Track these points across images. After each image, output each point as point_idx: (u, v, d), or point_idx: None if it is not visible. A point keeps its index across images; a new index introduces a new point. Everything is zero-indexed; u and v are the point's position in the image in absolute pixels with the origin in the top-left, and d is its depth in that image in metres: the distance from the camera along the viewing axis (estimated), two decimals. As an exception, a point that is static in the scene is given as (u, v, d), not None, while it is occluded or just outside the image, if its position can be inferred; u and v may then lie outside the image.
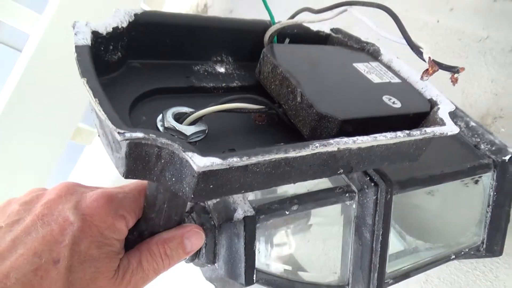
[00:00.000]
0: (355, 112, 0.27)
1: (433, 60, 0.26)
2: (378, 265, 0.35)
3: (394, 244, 0.52)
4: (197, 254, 0.35)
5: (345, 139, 0.23)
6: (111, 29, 0.25)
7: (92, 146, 1.54)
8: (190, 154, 0.19)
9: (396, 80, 0.34)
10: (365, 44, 0.37)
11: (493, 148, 0.49)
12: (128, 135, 0.19)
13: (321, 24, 0.37)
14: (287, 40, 0.35)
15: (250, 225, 0.33)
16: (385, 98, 0.30)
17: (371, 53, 0.37)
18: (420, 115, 0.30)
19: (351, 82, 0.31)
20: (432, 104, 0.32)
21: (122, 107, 0.25)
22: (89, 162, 1.79)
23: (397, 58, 0.36)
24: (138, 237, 0.32)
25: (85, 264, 0.25)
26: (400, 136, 0.25)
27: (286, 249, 0.36)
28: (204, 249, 0.35)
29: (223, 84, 0.31)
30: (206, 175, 0.20)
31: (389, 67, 0.35)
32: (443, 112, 0.30)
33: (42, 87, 1.08)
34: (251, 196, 0.38)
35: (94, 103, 0.21)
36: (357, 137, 0.24)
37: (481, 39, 0.69)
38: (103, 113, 0.20)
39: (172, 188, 0.22)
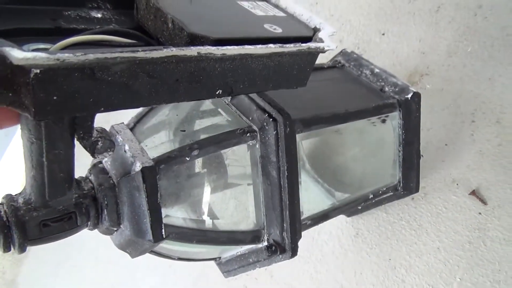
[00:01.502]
0: (230, 32, 0.26)
1: None
2: (288, 202, 0.34)
3: (325, 201, 0.52)
4: (99, 218, 0.32)
5: (208, 46, 0.22)
6: None
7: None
8: (8, 48, 0.16)
9: (281, 14, 0.33)
10: None
11: (397, 89, 0.50)
12: None
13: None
14: None
15: (149, 176, 0.31)
16: (266, 25, 0.30)
17: None
18: (301, 39, 0.30)
19: (231, 13, 0.30)
20: (315, 31, 0.32)
21: None
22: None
23: None
24: (23, 203, 0.29)
25: None
26: (271, 47, 0.25)
27: (196, 198, 0.34)
28: (106, 211, 0.32)
29: (98, 27, 0.29)
30: (42, 81, 0.18)
31: (276, 6, 0.35)
32: (323, 33, 0.30)
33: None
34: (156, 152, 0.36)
35: None
36: (224, 46, 0.23)
37: (410, 1, 0.72)
38: None
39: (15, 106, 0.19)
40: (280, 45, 0.25)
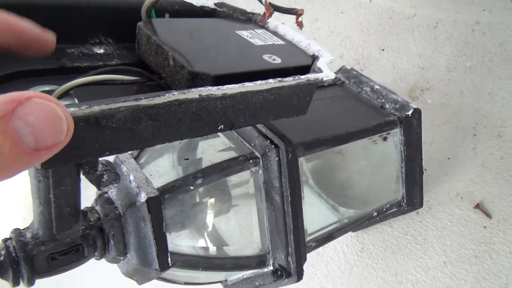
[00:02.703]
0: (230, 68, 0.26)
1: (269, 3, 0.26)
2: (292, 226, 0.34)
3: (329, 217, 0.52)
4: (105, 249, 0.33)
5: (209, 87, 0.22)
6: None
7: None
8: None
9: (280, 42, 0.34)
10: (251, 15, 0.37)
11: (397, 106, 0.50)
12: None
13: (204, 0, 0.36)
14: (167, 15, 0.34)
15: (154, 206, 0.31)
16: (266, 56, 0.30)
17: (258, 23, 0.37)
18: (301, 69, 0.30)
19: (230, 45, 0.30)
20: (314, 59, 0.32)
21: None
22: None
23: (282, 24, 0.37)
24: (31, 238, 0.29)
25: None
26: (271, 83, 0.25)
27: (201, 226, 0.35)
28: (112, 241, 0.32)
29: (101, 63, 0.29)
30: None
31: (275, 33, 0.36)
32: (321, 62, 0.30)
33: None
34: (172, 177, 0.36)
35: None
36: (223, 85, 0.23)
37: (409, 17, 0.73)
38: None
39: None
40: (279, 79, 0.26)
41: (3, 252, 0.28)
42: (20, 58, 0.27)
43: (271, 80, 0.25)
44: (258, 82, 0.24)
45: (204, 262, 0.33)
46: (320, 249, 0.68)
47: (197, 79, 0.25)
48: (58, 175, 0.26)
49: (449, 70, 0.66)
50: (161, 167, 0.37)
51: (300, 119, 0.42)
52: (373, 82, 0.53)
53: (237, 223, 0.36)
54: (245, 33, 0.33)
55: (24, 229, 0.30)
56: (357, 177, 0.51)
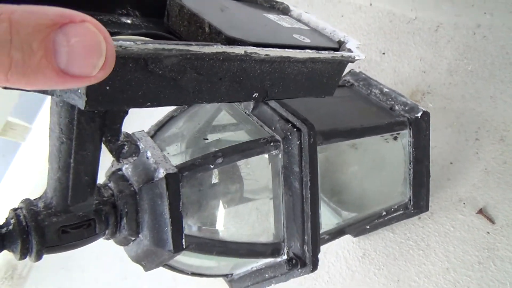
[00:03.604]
0: (265, 38, 0.28)
1: None
2: (310, 213, 0.35)
3: (331, 220, 0.53)
4: (117, 227, 0.32)
5: (253, 47, 0.23)
6: None
7: (27, 143, 1.41)
8: None
9: (306, 27, 0.35)
10: (274, 3, 0.39)
11: (406, 108, 0.53)
12: None
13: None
14: None
15: (173, 183, 0.31)
16: (295, 35, 0.31)
17: (281, 10, 0.39)
18: (329, 50, 0.32)
19: (260, 22, 0.32)
20: (341, 44, 0.34)
21: None
22: (25, 162, 1.62)
23: (306, 12, 0.38)
24: (44, 208, 0.29)
25: None
26: (309, 52, 0.26)
27: (217, 208, 0.35)
28: (125, 219, 0.32)
29: (129, 31, 0.30)
30: None
31: (299, 20, 0.37)
32: (350, 45, 0.32)
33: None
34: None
35: None
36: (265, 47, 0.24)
37: (409, 20, 0.76)
38: None
39: (65, 98, 0.20)
40: (317, 51, 0.27)
41: (12, 221, 0.28)
42: None
43: (309, 50, 0.26)
44: (298, 50, 0.26)
45: (219, 246, 0.33)
46: (321, 254, 0.68)
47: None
48: (81, 138, 0.26)
49: (450, 74, 0.69)
50: (173, 148, 0.37)
51: (315, 112, 0.43)
52: (382, 85, 0.55)
53: (254, 208, 0.36)
54: (272, 16, 0.35)
55: (35, 199, 0.30)
56: (364, 178, 0.52)
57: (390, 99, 0.54)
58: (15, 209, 0.29)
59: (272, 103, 0.36)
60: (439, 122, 0.67)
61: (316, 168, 0.35)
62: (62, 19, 0.15)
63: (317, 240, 0.36)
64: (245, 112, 0.38)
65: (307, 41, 0.31)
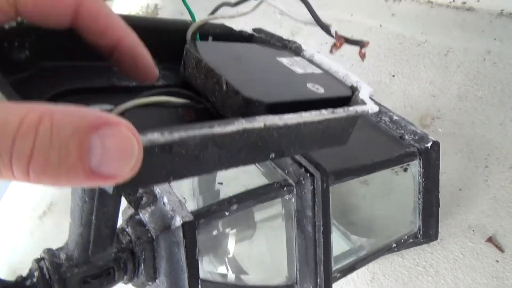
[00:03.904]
0: (281, 96, 0.28)
1: (339, 34, 0.28)
2: (323, 257, 0.35)
3: (341, 244, 0.53)
4: (135, 273, 0.33)
5: (271, 116, 0.24)
6: (14, 24, 0.24)
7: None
8: None
9: (318, 71, 0.36)
10: (287, 42, 0.39)
11: (416, 138, 0.53)
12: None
13: (243, 25, 0.38)
14: (210, 38, 0.35)
15: (189, 231, 0.32)
16: (309, 85, 0.32)
17: (294, 50, 0.39)
18: (343, 99, 0.32)
19: (275, 72, 0.32)
20: (353, 90, 0.34)
21: None
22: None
23: (318, 53, 0.39)
24: (66, 260, 0.30)
25: None
26: (324, 113, 0.27)
27: (230, 253, 0.36)
28: (143, 265, 0.33)
29: (147, 83, 0.31)
30: None
31: (311, 61, 0.38)
32: (363, 94, 0.32)
33: None
34: (191, 206, 0.38)
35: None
36: (284, 114, 0.25)
37: (420, 43, 0.76)
38: None
39: None
40: (332, 110, 0.27)
41: (36, 273, 0.29)
42: (73, 77, 0.28)
43: (324, 111, 0.27)
44: (314, 112, 0.26)
45: (235, 291, 0.34)
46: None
47: (250, 106, 0.27)
48: (103, 197, 0.27)
49: (460, 99, 0.69)
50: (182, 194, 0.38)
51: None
52: (391, 113, 0.55)
53: (267, 252, 0.37)
54: (285, 60, 0.35)
55: (57, 249, 0.31)
56: (374, 206, 0.53)
57: (400, 128, 0.55)
58: (38, 261, 0.30)
59: (286, 146, 0.37)
60: (448, 147, 0.67)
61: (328, 212, 0.36)
62: (99, 121, 0.15)
63: (329, 283, 0.36)
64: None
65: (321, 91, 0.32)
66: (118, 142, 0.16)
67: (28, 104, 0.15)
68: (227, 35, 0.37)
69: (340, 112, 0.28)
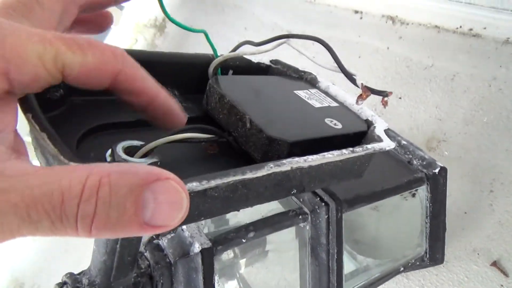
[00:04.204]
0: (302, 134, 0.30)
1: (365, 86, 0.30)
2: (336, 284, 0.36)
3: (347, 264, 0.54)
4: None
5: (297, 158, 0.25)
6: None
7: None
8: None
9: (334, 104, 0.37)
10: (303, 73, 0.41)
11: (424, 163, 0.54)
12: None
13: (261, 56, 0.40)
14: (231, 71, 0.37)
15: (207, 257, 0.33)
16: (327, 120, 0.33)
17: (309, 81, 0.41)
18: (359, 134, 0.34)
19: (294, 108, 0.34)
20: (368, 123, 0.36)
21: (68, 145, 0.25)
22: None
23: (333, 85, 0.40)
24: (88, 285, 0.31)
25: None
26: (345, 153, 0.28)
27: (245, 278, 0.37)
28: None
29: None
30: None
31: (326, 93, 0.39)
32: (379, 130, 0.34)
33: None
34: (205, 229, 0.39)
35: (41, 139, 0.20)
36: (308, 156, 0.26)
37: (426, 67, 0.78)
38: (52, 147, 0.20)
39: None
40: (351, 149, 0.29)
41: None
42: (101, 112, 0.29)
43: (345, 151, 0.28)
44: (335, 153, 0.28)
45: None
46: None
47: (273, 144, 0.28)
48: None
49: (466, 124, 0.71)
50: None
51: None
52: (400, 137, 0.57)
53: (280, 277, 0.38)
54: (302, 93, 0.37)
55: (79, 274, 0.32)
56: (382, 229, 0.54)
57: (408, 153, 0.56)
58: (61, 285, 0.31)
59: (301, 175, 0.38)
60: (454, 171, 0.69)
61: (341, 240, 0.37)
62: (151, 177, 0.16)
63: (341, 309, 0.37)
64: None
65: (338, 127, 0.33)
66: (169, 196, 0.17)
67: (86, 167, 0.17)
68: (246, 67, 0.38)
69: (359, 151, 0.29)
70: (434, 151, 0.72)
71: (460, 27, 0.76)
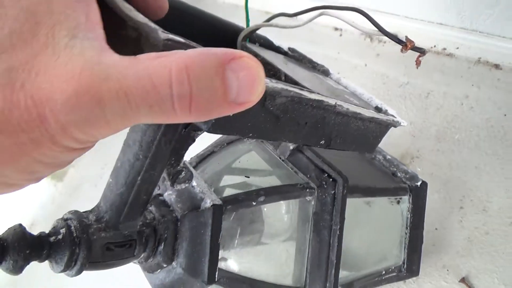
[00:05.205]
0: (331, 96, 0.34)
1: (409, 38, 0.35)
2: (335, 261, 0.40)
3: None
4: (154, 251, 0.36)
5: (338, 101, 0.30)
6: None
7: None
8: None
9: (347, 91, 0.43)
10: (316, 65, 0.46)
11: (407, 176, 0.61)
12: (171, 36, 0.20)
13: (282, 42, 0.45)
14: (257, 44, 0.41)
15: (218, 214, 0.36)
16: (346, 96, 0.39)
17: (322, 72, 0.46)
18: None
19: (318, 79, 0.39)
20: (378, 110, 0.41)
21: None
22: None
23: (344, 77, 0.46)
24: (95, 221, 0.32)
25: None
26: (372, 112, 0.33)
27: (249, 246, 0.39)
28: (163, 244, 0.36)
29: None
30: None
31: (338, 83, 0.45)
32: (391, 111, 0.40)
33: None
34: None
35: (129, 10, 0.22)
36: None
37: (402, 84, 0.85)
38: (142, 16, 0.21)
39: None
40: (377, 112, 0.34)
41: (62, 230, 0.29)
42: None
43: (372, 110, 0.33)
44: (366, 110, 0.33)
45: (248, 283, 0.38)
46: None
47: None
48: (156, 158, 0.29)
49: (438, 141, 0.79)
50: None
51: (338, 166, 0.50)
52: (385, 152, 0.64)
53: (284, 250, 0.41)
54: (320, 76, 0.42)
55: (85, 212, 0.32)
56: (365, 235, 0.59)
57: (392, 166, 0.63)
58: (65, 219, 0.31)
59: (308, 153, 0.42)
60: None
61: (344, 218, 0.41)
62: (227, 56, 0.18)
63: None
64: (280, 158, 0.44)
65: (356, 103, 0.38)
66: (248, 72, 0.19)
67: (168, 53, 0.18)
68: (268, 47, 0.43)
69: (382, 116, 0.35)
70: (408, 167, 0.80)
71: (434, 46, 0.86)
